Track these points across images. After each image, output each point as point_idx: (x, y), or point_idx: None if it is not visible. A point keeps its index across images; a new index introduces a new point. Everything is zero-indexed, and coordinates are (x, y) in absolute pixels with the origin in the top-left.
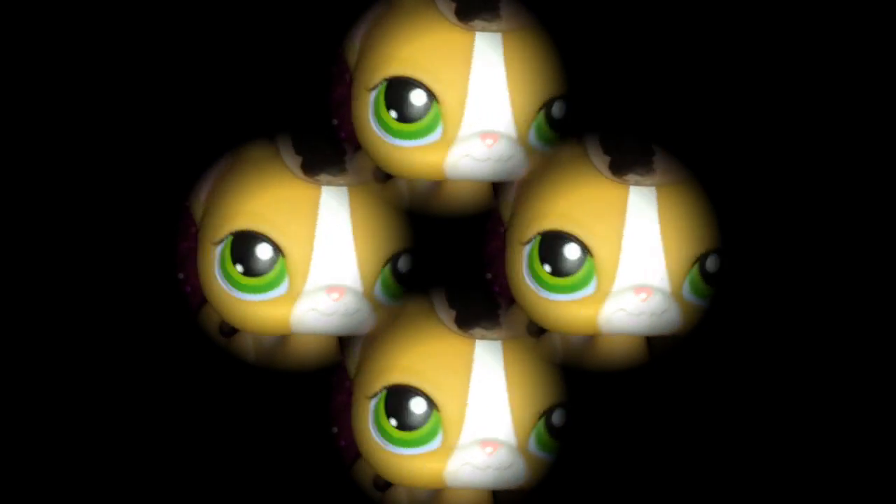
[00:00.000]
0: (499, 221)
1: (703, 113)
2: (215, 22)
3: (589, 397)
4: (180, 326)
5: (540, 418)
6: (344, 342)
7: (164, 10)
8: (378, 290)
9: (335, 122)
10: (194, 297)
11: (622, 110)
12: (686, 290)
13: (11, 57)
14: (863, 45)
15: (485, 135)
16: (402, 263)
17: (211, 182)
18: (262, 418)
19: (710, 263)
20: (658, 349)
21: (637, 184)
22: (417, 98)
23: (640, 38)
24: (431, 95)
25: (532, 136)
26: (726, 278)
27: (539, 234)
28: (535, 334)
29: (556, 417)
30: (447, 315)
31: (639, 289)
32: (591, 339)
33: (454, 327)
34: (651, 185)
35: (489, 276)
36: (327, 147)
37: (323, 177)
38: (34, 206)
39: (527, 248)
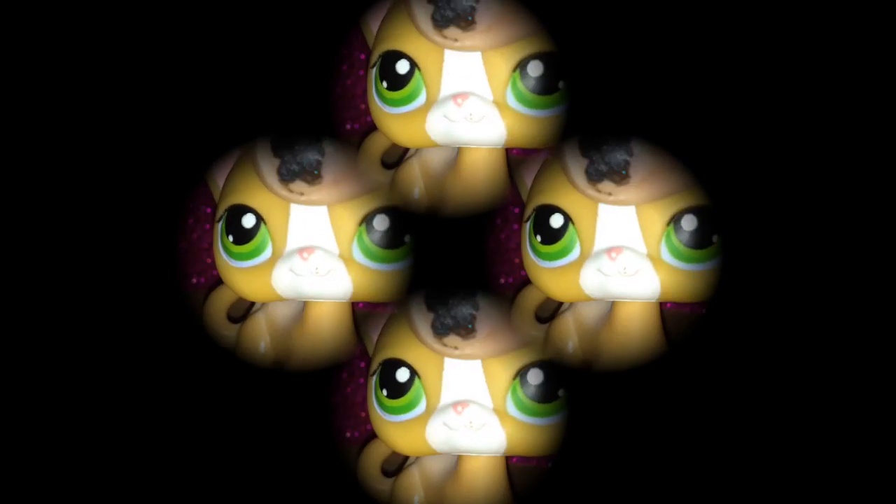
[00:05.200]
0: (511, 219)
1: (693, 99)
2: (214, 25)
3: (597, 396)
4: (188, 332)
5: (514, 378)
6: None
7: (162, 17)
8: (356, 251)
9: (339, 113)
10: (200, 289)
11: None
12: (665, 252)
13: (12, 58)
14: (851, 34)
15: (456, 95)
16: (378, 223)
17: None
18: (267, 421)
19: (686, 222)
20: (675, 340)
21: (612, 197)
22: (402, 67)
23: (627, 20)
24: (414, 64)
25: (510, 98)
26: (712, 243)
27: (534, 209)
28: (545, 321)
29: (532, 377)
30: (424, 320)
31: (610, 249)
32: (606, 323)
33: (429, 334)
34: (627, 201)
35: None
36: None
37: (297, 185)
38: (36, 205)
39: (527, 225)
